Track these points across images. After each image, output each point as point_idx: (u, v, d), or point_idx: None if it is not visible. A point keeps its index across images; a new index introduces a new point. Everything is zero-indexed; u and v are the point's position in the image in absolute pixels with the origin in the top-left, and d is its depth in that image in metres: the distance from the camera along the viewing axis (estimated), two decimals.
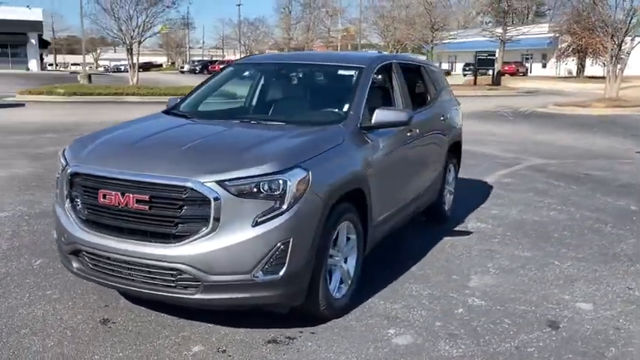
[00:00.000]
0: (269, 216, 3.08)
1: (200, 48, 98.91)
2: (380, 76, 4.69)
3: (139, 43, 27.20)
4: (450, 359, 3.20)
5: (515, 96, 30.24)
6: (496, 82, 38.15)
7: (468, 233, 5.61)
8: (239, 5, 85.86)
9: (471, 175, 8.23)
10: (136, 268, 3.19)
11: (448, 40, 41.96)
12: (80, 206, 3.38)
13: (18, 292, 3.93)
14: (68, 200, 3.42)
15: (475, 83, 37.62)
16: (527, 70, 56.87)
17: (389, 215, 4.37)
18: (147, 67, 68.26)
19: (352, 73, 4.47)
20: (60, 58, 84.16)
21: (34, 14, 53.68)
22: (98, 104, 21.08)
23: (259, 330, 3.44)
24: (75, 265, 3.45)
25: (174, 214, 3.09)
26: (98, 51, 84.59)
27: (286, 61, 5.48)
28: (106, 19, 27.22)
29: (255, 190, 3.07)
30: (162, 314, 3.61)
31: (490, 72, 39.25)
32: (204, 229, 3.04)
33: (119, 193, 3.16)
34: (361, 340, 3.39)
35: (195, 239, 3.05)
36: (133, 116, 4.80)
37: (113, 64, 76.46)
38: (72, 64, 77.42)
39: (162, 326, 3.49)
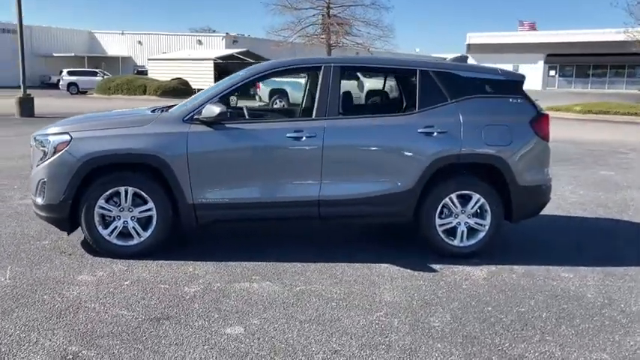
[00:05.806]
0: (40, 162, 4.64)
1: None
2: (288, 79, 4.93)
3: None
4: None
5: None
6: None
7: (430, 270, 4.49)
8: None
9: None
10: None
11: None
12: None
13: None
14: None
15: None
16: None
17: (230, 204, 4.71)
18: None
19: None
20: None
21: None
22: (614, 124, 20.24)
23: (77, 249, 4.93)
24: None
25: None
26: None
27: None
28: None
29: (41, 143, 4.69)
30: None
31: None
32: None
33: None
34: (78, 267, 4.41)
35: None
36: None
37: None
38: None
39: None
